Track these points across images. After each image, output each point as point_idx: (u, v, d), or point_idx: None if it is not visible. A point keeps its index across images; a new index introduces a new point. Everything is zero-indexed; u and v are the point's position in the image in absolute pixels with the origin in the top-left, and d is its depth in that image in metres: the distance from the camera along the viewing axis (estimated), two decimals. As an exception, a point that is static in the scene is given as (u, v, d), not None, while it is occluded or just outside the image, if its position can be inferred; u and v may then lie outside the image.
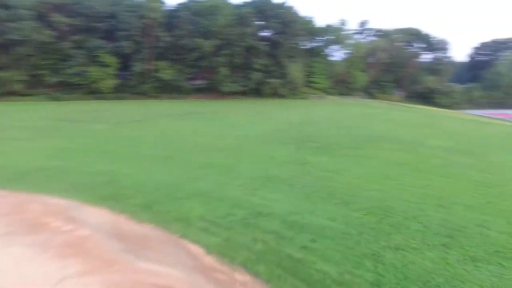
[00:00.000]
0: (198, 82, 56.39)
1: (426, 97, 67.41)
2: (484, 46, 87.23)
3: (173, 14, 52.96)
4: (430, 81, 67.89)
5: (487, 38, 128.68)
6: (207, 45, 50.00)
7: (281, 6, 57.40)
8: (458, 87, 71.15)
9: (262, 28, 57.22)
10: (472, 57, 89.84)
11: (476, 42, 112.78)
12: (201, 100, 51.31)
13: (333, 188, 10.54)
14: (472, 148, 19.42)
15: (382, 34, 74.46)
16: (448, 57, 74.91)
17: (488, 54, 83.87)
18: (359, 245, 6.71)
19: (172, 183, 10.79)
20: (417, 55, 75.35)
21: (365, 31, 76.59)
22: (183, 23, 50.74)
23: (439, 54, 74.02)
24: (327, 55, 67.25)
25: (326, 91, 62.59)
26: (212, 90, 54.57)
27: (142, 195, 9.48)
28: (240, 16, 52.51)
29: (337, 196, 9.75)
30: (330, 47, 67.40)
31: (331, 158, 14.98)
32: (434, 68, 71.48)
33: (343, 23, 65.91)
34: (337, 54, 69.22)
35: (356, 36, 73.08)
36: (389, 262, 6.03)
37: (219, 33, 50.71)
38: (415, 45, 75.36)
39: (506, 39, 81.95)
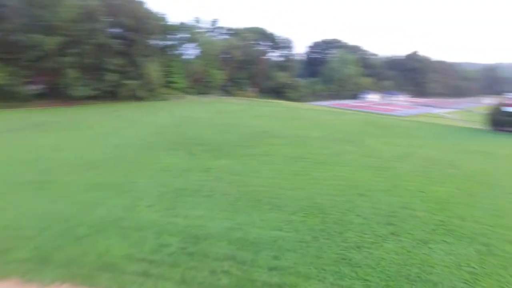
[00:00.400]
0: (37, 86, 47.65)
1: (278, 92, 73.89)
2: (316, 45, 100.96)
3: (-2, 2, 42.91)
4: (281, 77, 74.70)
5: (318, 38, 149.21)
6: (49, 42, 42.28)
7: (131, 1, 53.45)
8: (303, 81, 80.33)
9: (113, 24, 52.12)
10: (308, 54, 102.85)
11: (310, 42, 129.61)
12: (45, 107, 43.34)
13: (255, 192, 10.07)
14: (347, 136, 21.88)
15: (233, 32, 77.91)
16: (293, 55, 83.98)
17: (320, 52, 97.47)
18: (323, 251, 6.42)
19: (62, 217, 8.46)
20: (264, 53, 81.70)
21: (216, 29, 78.77)
22: (14, 14, 41.63)
23: (284, 52, 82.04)
24: (181, 54, 66.25)
25: (184, 91, 61.71)
26: (57, 95, 46.64)
27: (28, 242, 7.01)
28: (86, 10, 46.40)
29: (265, 201, 9.31)
30: (184, 45, 66.56)
31: (231, 160, 14.49)
32: (282, 65, 79.10)
33: (197, 20, 66.05)
34: (191, 52, 68.98)
35: (208, 34, 74.34)
36: (364, 264, 5.92)
37: (64, 29, 43.60)
38: (262, 43, 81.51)
39: (333, 39, 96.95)
